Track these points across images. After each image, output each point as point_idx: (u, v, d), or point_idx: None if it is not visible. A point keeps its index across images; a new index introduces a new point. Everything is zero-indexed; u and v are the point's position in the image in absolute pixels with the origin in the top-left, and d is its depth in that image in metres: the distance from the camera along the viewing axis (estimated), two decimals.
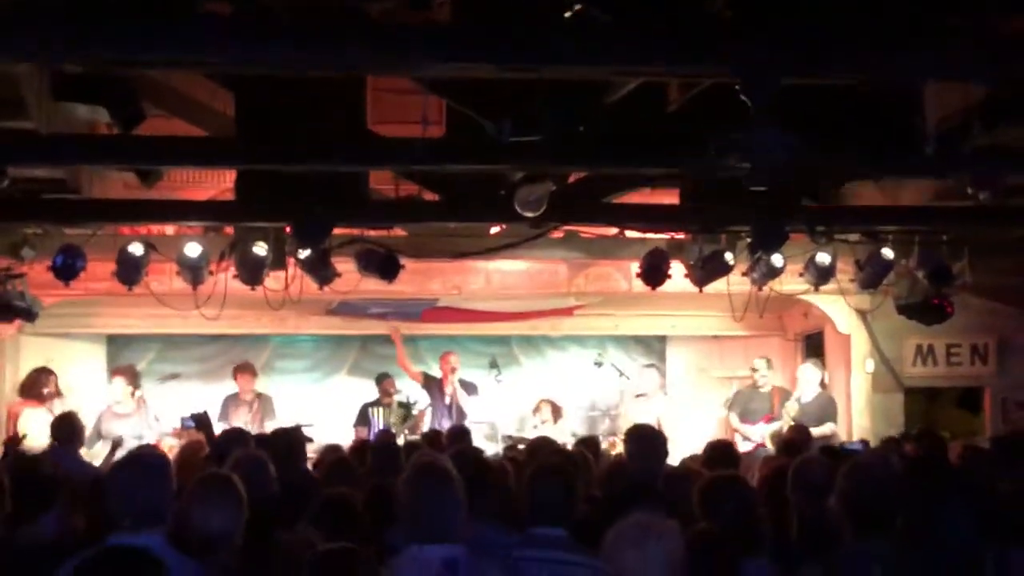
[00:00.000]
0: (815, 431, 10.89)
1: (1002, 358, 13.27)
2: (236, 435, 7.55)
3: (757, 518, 5.50)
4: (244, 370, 13.00)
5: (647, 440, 7.20)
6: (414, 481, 4.84)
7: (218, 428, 10.92)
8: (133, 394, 12.13)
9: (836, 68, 6.30)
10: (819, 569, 4.88)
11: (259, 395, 12.87)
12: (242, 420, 12.24)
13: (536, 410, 13.73)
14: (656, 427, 8.62)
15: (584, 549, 5.19)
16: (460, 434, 8.91)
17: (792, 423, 11.71)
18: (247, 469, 5.34)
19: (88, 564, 3.62)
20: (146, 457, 4.98)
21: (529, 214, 8.79)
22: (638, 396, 13.61)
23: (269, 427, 11.41)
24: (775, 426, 12.77)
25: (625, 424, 11.33)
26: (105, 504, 4.67)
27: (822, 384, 12.79)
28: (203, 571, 4.46)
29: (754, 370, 13.30)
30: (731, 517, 5.20)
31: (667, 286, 11.26)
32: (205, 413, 8.51)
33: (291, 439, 7.17)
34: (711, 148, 5.81)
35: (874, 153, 7.23)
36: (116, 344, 14.63)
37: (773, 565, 5.25)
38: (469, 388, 13.09)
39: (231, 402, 12.78)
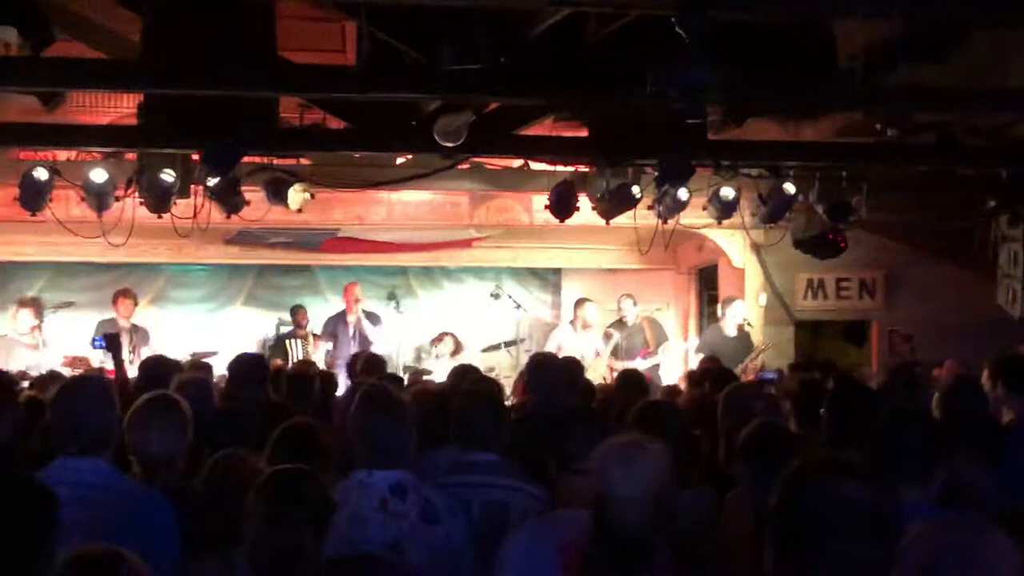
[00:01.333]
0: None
1: (889, 292, 13.66)
2: (159, 361, 7.43)
3: (695, 437, 5.63)
4: (125, 295, 12.57)
5: (547, 369, 7.22)
6: (365, 408, 4.81)
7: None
8: (38, 326, 11.86)
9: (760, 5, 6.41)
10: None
11: (135, 326, 12.47)
12: None
13: (437, 341, 13.74)
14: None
15: (519, 474, 5.26)
16: (378, 364, 8.89)
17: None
18: (192, 391, 5.29)
19: None
20: (92, 382, 4.89)
21: (449, 144, 8.76)
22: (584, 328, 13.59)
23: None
24: (651, 361, 12.98)
25: None
26: (51, 427, 4.60)
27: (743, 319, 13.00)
28: (146, 490, 4.42)
29: (620, 310, 13.53)
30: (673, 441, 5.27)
31: (569, 219, 11.34)
32: (116, 334, 8.36)
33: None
34: (649, 81, 5.84)
35: (799, 86, 7.35)
36: (5, 271, 14.30)
37: (711, 491, 5.36)
38: (373, 319, 13.07)
39: (107, 328, 11.88)
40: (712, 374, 8.58)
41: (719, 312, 13.20)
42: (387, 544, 4.43)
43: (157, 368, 7.00)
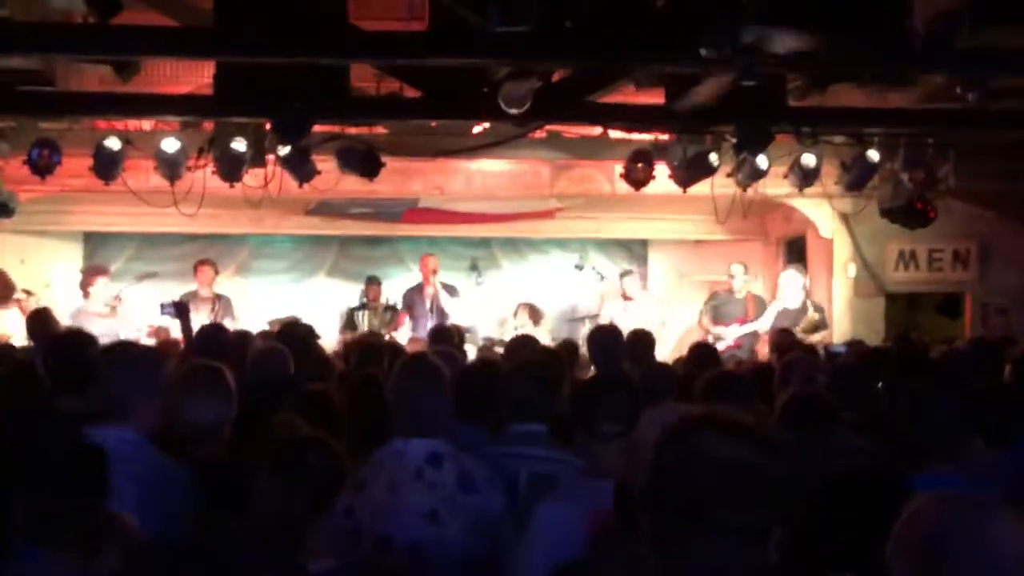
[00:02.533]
0: (812, 339, 10.90)
1: (983, 264, 13.28)
2: (216, 329, 7.46)
3: (759, 409, 5.49)
4: (205, 264, 12.67)
5: (606, 336, 7.15)
6: (403, 375, 4.76)
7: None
8: (118, 295, 12.01)
9: None
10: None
11: (218, 296, 12.59)
12: (201, 320, 12.06)
13: (515, 314, 13.69)
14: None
15: (563, 445, 5.16)
16: (442, 333, 8.83)
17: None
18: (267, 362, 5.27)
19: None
20: (130, 350, 4.88)
21: (513, 111, 8.64)
22: (628, 298, 13.47)
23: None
24: (748, 328, 12.78)
25: None
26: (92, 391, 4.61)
27: (804, 290, 12.73)
28: (164, 460, 4.40)
29: (731, 276, 13.22)
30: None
31: (650, 188, 11.18)
32: (185, 301, 8.40)
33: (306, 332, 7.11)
34: (707, 40, 5.66)
35: (865, 52, 7.10)
36: (92, 242, 14.53)
37: None
38: (450, 290, 13.00)
39: (190, 299, 11.84)
40: (781, 348, 8.39)
41: (806, 284, 12.93)
42: (423, 513, 4.38)
43: (212, 336, 7.02)
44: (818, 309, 12.52)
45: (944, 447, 3.90)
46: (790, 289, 12.51)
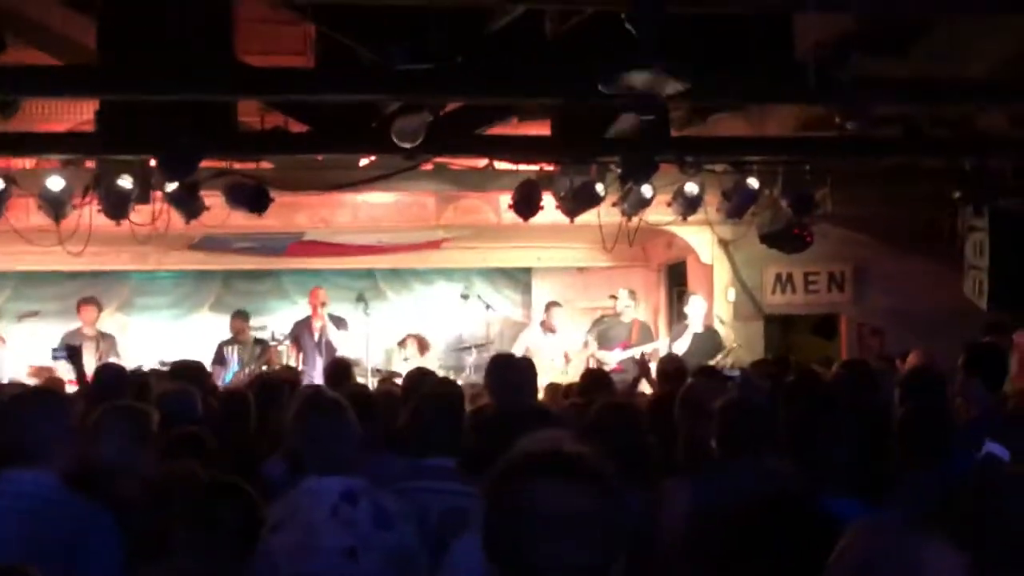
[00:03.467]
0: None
1: (858, 285, 13.67)
2: (114, 369, 7.35)
3: (646, 443, 5.57)
4: (88, 302, 12.51)
5: (509, 370, 7.15)
6: (306, 414, 4.72)
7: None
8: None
9: None
10: (687, 485, 4.93)
11: (102, 334, 12.42)
12: (87, 359, 11.83)
13: (402, 344, 13.70)
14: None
15: (474, 479, 5.19)
16: (344, 369, 8.79)
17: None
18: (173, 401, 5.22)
19: None
20: (41, 393, 4.81)
21: (406, 145, 8.69)
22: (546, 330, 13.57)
23: None
24: (631, 353, 12.97)
25: None
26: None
27: (706, 317, 12.96)
28: (88, 504, 4.35)
29: (614, 297, 13.42)
30: (622, 443, 5.19)
31: (536, 218, 11.30)
32: (77, 345, 8.27)
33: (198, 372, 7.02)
34: (601, 80, 5.78)
35: (755, 82, 7.32)
36: None
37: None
38: (339, 323, 12.96)
39: (74, 338, 11.68)
40: (670, 374, 8.54)
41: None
42: (341, 551, 4.36)
43: (111, 377, 6.92)
44: (717, 336, 12.77)
45: (850, 471, 4.03)
46: (696, 315, 12.71)
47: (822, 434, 4.22)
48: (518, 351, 12.35)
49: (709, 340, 12.58)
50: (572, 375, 12.93)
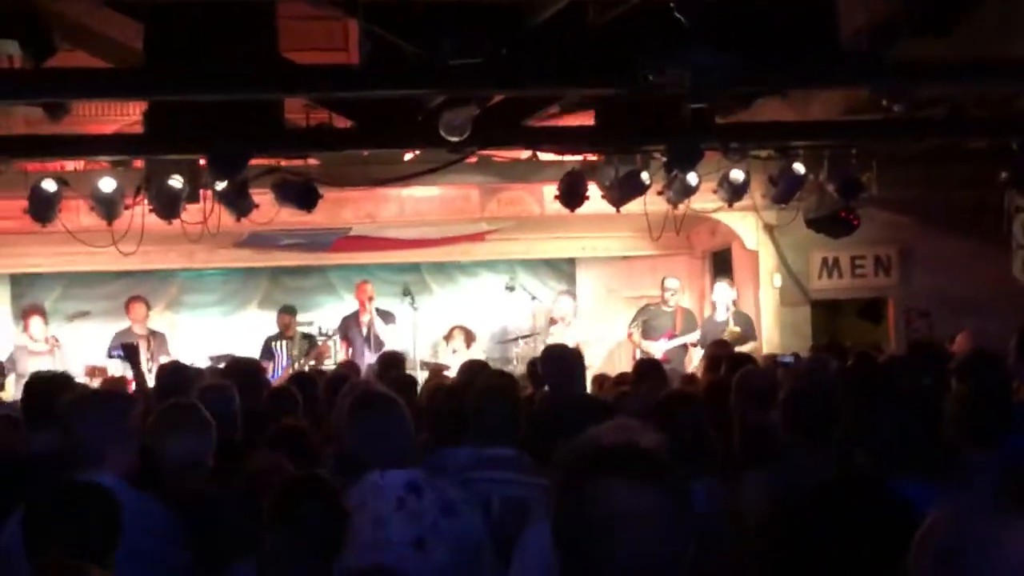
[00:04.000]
0: (740, 349, 11.09)
1: (904, 269, 13.58)
2: (175, 367, 7.44)
3: (709, 434, 5.59)
4: (137, 300, 12.73)
5: (563, 360, 7.22)
6: (359, 412, 4.79)
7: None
8: (54, 337, 11.92)
9: None
10: (764, 476, 4.92)
11: (152, 332, 12.60)
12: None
13: (449, 337, 13.79)
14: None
15: (535, 468, 5.24)
16: (394, 361, 8.87)
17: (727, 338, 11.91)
18: (214, 398, 5.30)
19: (43, 498, 3.61)
20: (98, 396, 4.89)
21: (454, 138, 8.75)
22: (554, 322, 13.70)
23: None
24: (677, 342, 13.00)
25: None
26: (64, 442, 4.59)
27: (733, 302, 12.98)
28: (155, 506, 4.43)
29: (666, 289, 13.43)
30: (685, 434, 5.22)
31: (580, 208, 11.31)
32: (135, 344, 8.37)
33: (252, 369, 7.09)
34: (649, 68, 5.79)
35: (799, 66, 7.30)
36: (20, 283, 14.33)
37: (721, 482, 5.32)
38: (387, 317, 13.05)
39: (126, 337, 11.98)
40: (721, 360, 8.54)
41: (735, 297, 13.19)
42: (410, 543, 4.41)
43: (174, 374, 7.02)
44: (742, 321, 12.77)
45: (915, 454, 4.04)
46: (720, 302, 12.75)
47: (887, 417, 4.23)
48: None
49: (739, 325, 12.60)
50: (616, 365, 13.02)
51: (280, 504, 3.69)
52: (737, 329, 12.56)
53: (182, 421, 4.81)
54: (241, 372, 7.18)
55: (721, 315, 12.75)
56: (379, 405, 4.84)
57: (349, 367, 9.98)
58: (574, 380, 6.96)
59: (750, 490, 4.84)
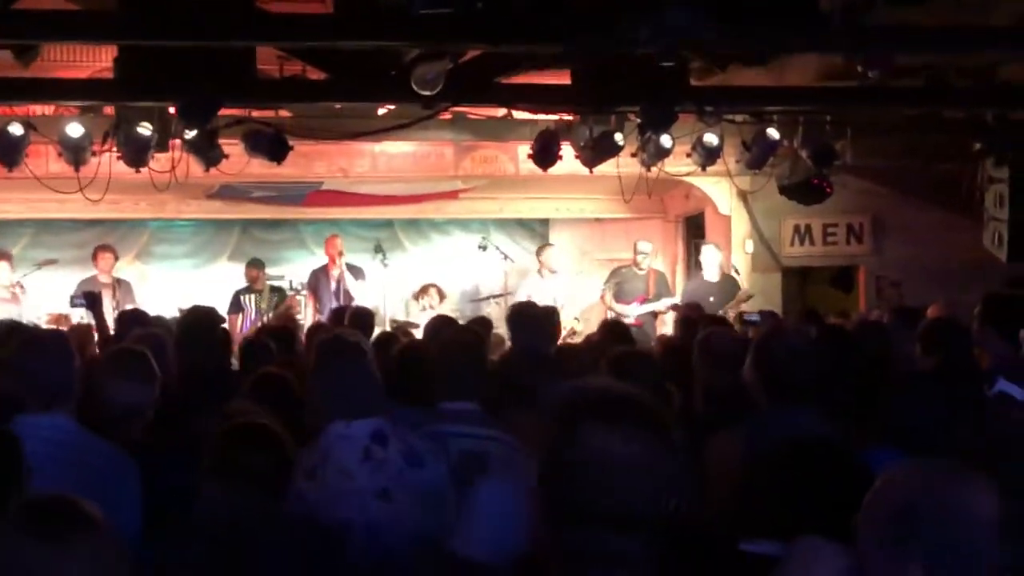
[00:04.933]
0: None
1: (877, 237, 13.62)
2: (135, 315, 7.38)
3: (667, 390, 5.57)
4: (105, 250, 12.58)
5: (527, 316, 7.17)
6: (328, 360, 4.72)
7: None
8: (18, 283, 11.83)
9: None
10: (737, 437, 4.88)
11: (118, 280, 12.48)
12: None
13: (422, 293, 13.72)
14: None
15: (495, 423, 5.22)
16: (365, 318, 8.81)
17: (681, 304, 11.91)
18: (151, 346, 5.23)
19: None
20: (50, 337, 4.82)
21: (426, 92, 8.66)
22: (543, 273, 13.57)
23: None
24: (649, 307, 12.99)
25: None
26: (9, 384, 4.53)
27: (721, 265, 12.95)
28: (111, 448, 4.39)
29: (638, 251, 13.38)
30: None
31: (554, 168, 11.26)
32: (97, 292, 8.29)
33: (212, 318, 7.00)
34: (624, 25, 5.74)
35: (778, 31, 7.25)
36: None
37: (682, 437, 5.31)
38: (356, 272, 12.98)
39: (90, 285, 11.68)
40: (689, 322, 8.53)
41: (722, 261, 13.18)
42: (375, 492, 4.40)
43: (133, 322, 6.95)
44: (732, 283, 12.78)
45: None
46: (710, 264, 12.72)
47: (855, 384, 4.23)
48: (521, 299, 12.39)
49: (726, 287, 12.58)
50: (585, 326, 12.98)
51: (220, 451, 3.64)
52: (751, 292, 12.57)
53: (127, 368, 4.75)
54: (203, 321, 7.11)
55: (710, 276, 12.71)
56: (348, 353, 4.78)
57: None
58: (540, 337, 6.93)
59: (721, 450, 4.79)
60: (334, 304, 12.42)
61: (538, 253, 13.71)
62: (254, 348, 6.99)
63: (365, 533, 4.32)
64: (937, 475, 2.52)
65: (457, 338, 5.85)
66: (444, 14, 6.59)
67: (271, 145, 10.17)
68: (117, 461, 4.25)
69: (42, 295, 12.31)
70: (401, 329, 10.68)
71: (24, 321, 10.76)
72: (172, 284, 14.33)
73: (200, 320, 6.81)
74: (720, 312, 11.29)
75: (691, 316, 9.20)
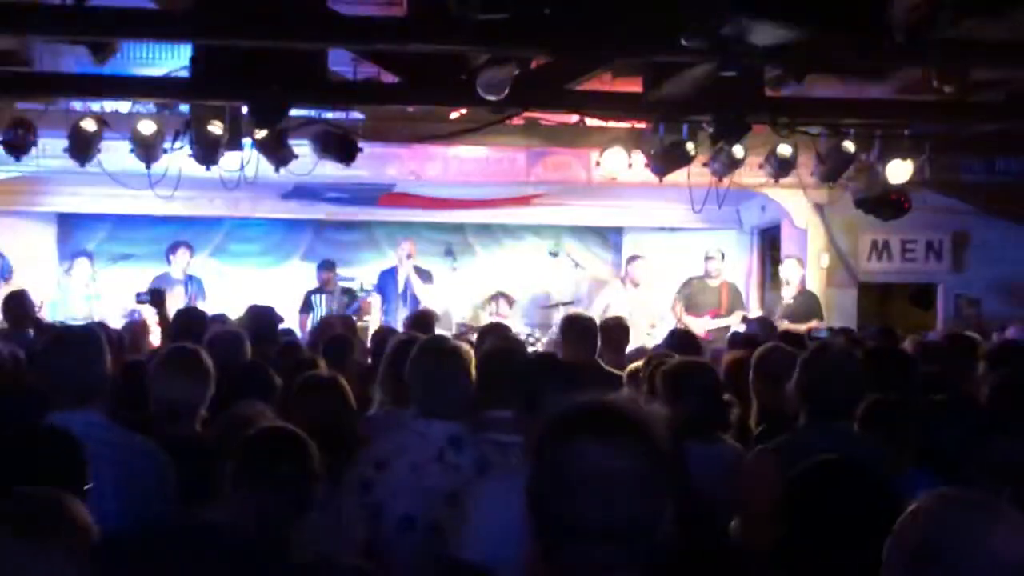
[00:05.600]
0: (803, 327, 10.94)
1: (956, 255, 13.36)
2: (190, 312, 7.44)
3: (723, 402, 5.50)
4: (180, 245, 12.75)
5: (577, 326, 7.27)
6: (425, 357, 4.77)
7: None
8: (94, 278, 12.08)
9: None
10: (769, 451, 4.81)
11: (190, 277, 12.63)
12: (176, 302, 11.97)
13: (491, 301, 13.69)
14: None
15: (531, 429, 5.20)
16: (427, 320, 8.82)
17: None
18: (224, 344, 5.28)
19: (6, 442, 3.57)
20: (77, 333, 4.82)
21: (492, 97, 8.64)
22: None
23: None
24: (721, 321, 12.79)
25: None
26: (42, 381, 4.55)
27: (802, 281, 12.77)
28: (145, 444, 4.40)
29: (709, 258, 13.19)
30: (698, 401, 5.17)
31: (626, 176, 11.19)
32: (161, 289, 8.37)
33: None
34: (688, 35, 5.66)
35: (846, 42, 7.12)
36: (66, 223, 14.44)
37: (732, 452, 5.25)
38: (424, 275, 12.99)
39: (162, 282, 12.00)
40: (752, 338, 8.40)
41: (781, 273, 12.99)
42: (444, 494, 4.44)
43: (188, 320, 7.00)
44: (809, 299, 12.57)
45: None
46: (791, 278, 12.53)
47: (899, 411, 4.14)
48: (598, 308, 12.30)
49: (806, 304, 12.38)
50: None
51: (247, 458, 3.61)
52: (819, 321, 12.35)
53: (180, 365, 4.78)
54: (257, 320, 7.16)
55: (791, 293, 12.54)
56: (448, 353, 4.79)
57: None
58: (579, 345, 6.93)
59: (756, 464, 4.73)
60: (401, 306, 12.44)
61: (628, 262, 13.52)
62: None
63: (427, 534, 4.40)
64: (965, 511, 2.41)
65: (495, 346, 5.84)
66: (507, 19, 6.55)
67: (340, 146, 10.21)
68: (150, 457, 4.27)
69: (118, 290, 12.46)
70: (462, 335, 10.67)
71: (98, 317, 10.98)
72: (246, 282, 14.42)
73: (259, 320, 6.88)
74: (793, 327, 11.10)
75: (755, 334, 9.05)
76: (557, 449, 2.21)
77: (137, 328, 8.48)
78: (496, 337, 7.01)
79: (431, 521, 4.45)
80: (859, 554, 2.50)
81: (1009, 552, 2.30)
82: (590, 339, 7.13)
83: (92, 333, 4.66)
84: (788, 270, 12.60)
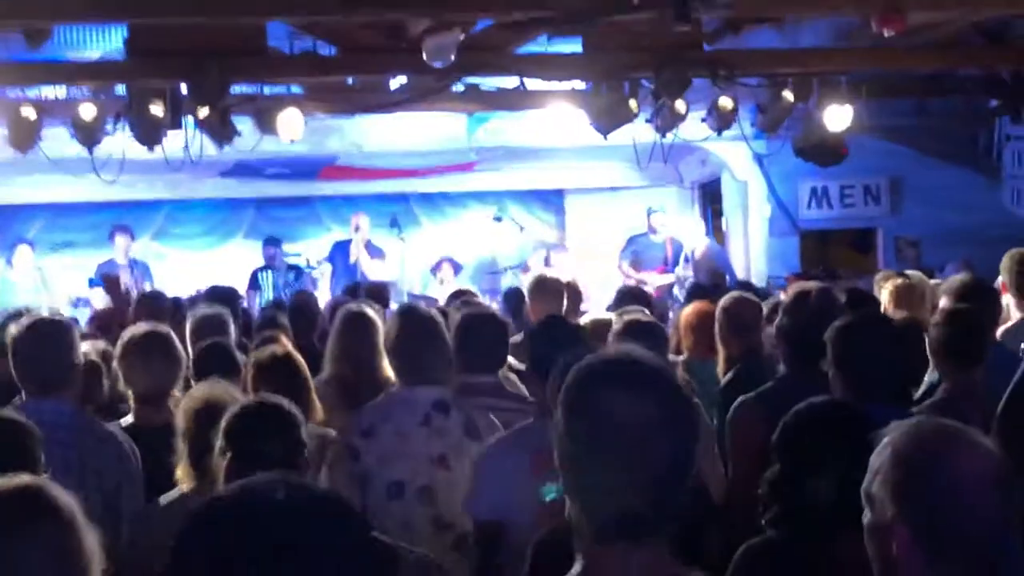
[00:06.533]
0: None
1: (894, 198, 13.53)
2: (155, 295, 7.39)
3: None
4: (122, 231, 12.64)
5: (541, 287, 7.38)
6: (405, 326, 4.82)
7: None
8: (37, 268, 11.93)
9: None
10: (755, 400, 4.87)
11: (135, 261, 12.50)
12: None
13: (438, 269, 13.68)
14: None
15: (512, 394, 5.35)
16: (378, 293, 8.82)
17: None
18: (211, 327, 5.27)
19: None
20: (49, 322, 4.79)
21: (438, 63, 8.63)
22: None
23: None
24: (667, 278, 12.89)
25: None
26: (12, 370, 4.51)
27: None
28: (111, 431, 4.40)
29: (653, 212, 13.27)
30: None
31: (568, 138, 11.19)
32: (115, 274, 8.30)
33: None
34: None
35: None
36: (3, 213, 14.20)
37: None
38: (375, 251, 12.95)
39: (108, 267, 11.95)
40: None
41: (723, 226, 13.12)
42: (432, 458, 4.58)
43: (151, 304, 6.97)
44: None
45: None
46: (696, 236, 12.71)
47: (865, 348, 4.20)
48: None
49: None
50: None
51: (234, 435, 3.56)
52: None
53: (151, 350, 4.76)
54: (222, 299, 7.14)
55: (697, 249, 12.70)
56: (425, 322, 4.85)
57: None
58: (556, 307, 6.98)
59: (743, 415, 4.79)
60: (348, 280, 12.40)
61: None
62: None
63: (418, 495, 4.51)
64: (934, 436, 2.48)
65: (479, 312, 5.89)
66: None
67: (283, 121, 10.13)
68: (117, 443, 4.27)
69: (60, 279, 12.32)
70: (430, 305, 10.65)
71: (43, 306, 10.84)
72: (189, 264, 14.31)
73: (224, 298, 6.87)
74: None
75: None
76: (589, 402, 2.22)
77: (107, 315, 8.39)
78: (466, 304, 7.05)
79: (420, 486, 4.52)
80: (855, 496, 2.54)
81: (975, 469, 2.37)
82: (559, 299, 7.19)
83: (64, 323, 4.63)
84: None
